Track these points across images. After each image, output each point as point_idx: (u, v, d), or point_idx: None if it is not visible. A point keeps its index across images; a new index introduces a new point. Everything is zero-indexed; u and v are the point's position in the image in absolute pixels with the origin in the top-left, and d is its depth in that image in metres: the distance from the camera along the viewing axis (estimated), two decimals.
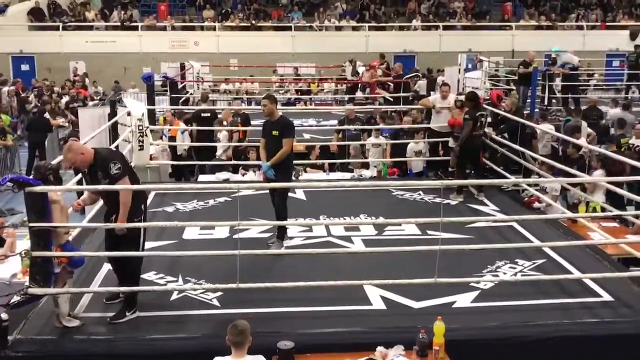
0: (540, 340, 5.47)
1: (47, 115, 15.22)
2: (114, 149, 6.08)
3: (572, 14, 27.88)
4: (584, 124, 12.11)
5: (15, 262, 7.04)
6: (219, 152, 11.88)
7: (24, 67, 24.15)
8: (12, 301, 5.44)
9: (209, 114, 12.66)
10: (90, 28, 25.63)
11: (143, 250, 5.85)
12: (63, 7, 26.42)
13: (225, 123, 12.23)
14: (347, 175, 11.12)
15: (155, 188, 9.44)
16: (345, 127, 12.20)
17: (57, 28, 24.88)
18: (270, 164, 7.11)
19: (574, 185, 9.07)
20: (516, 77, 16.44)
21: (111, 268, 6.10)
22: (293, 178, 10.59)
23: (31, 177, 5.62)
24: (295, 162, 11.14)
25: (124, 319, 5.61)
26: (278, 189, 6.95)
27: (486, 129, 10.37)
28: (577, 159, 10.32)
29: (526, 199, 9.39)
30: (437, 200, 9.14)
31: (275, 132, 7.10)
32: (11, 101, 18.82)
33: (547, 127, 11.37)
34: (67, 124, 15.92)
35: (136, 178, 5.93)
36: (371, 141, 11.65)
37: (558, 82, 17.12)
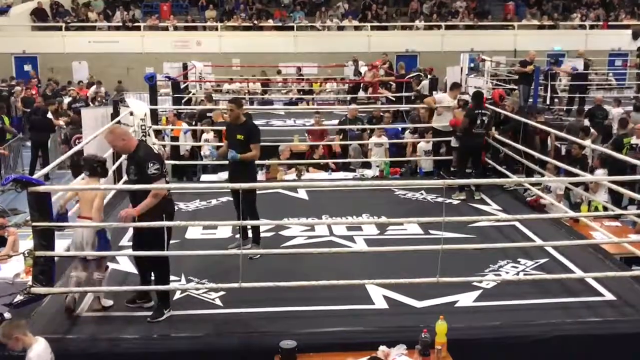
0: (543, 340, 5.47)
1: (50, 115, 15.23)
2: (156, 152, 6.10)
3: (575, 13, 27.84)
4: (585, 122, 12.11)
5: (18, 261, 7.06)
6: (205, 152, 11.88)
7: (27, 67, 24.18)
8: (15, 300, 5.46)
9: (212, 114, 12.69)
10: (93, 28, 25.65)
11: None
12: (66, 8, 26.45)
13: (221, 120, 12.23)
14: (350, 175, 11.13)
15: (157, 187, 9.43)
16: (348, 126, 12.22)
17: (59, 28, 24.91)
18: (241, 158, 6.91)
19: (576, 184, 9.07)
20: (517, 77, 16.43)
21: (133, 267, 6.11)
22: (295, 177, 10.67)
23: (34, 176, 5.64)
24: (297, 161, 11.28)
25: (162, 318, 5.63)
26: (245, 195, 6.55)
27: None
28: (580, 158, 10.32)
29: (529, 198, 9.38)
30: (440, 199, 9.15)
31: (240, 136, 6.99)
32: (16, 101, 18.84)
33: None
34: (63, 125, 15.82)
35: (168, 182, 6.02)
36: (374, 141, 11.65)
37: (562, 82, 17.11)
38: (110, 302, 5.93)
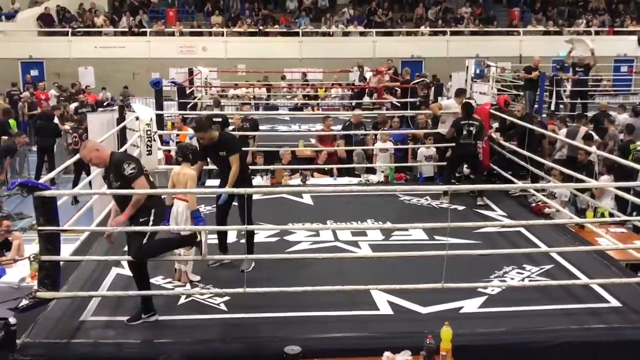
0: (548, 346, 5.45)
1: (56, 120, 15.29)
2: (129, 153, 6.12)
3: (580, 19, 27.81)
4: (582, 129, 12.07)
5: (24, 266, 7.09)
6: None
7: (33, 72, 24.27)
8: (20, 305, 5.47)
9: (220, 119, 12.70)
10: (99, 34, 25.76)
11: (145, 251, 5.65)
12: (72, 13, 26.56)
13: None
14: (354, 180, 11.13)
15: (163, 192, 9.45)
16: (353, 132, 12.22)
17: (66, 34, 25.02)
18: (228, 187, 6.64)
19: (582, 190, 9.05)
20: (522, 83, 16.41)
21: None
22: (300, 182, 10.69)
23: (40, 181, 5.66)
24: (302, 167, 11.28)
25: (139, 322, 5.61)
26: (241, 202, 6.46)
27: (493, 134, 10.40)
28: (586, 164, 10.30)
29: (534, 204, 9.37)
30: (444, 205, 9.14)
31: (222, 153, 6.75)
32: (23, 107, 18.91)
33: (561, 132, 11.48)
34: (69, 129, 15.90)
35: (152, 182, 5.96)
36: (378, 146, 11.65)
37: (567, 87, 17.09)
38: (197, 277, 6.48)
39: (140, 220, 5.58)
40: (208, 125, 6.82)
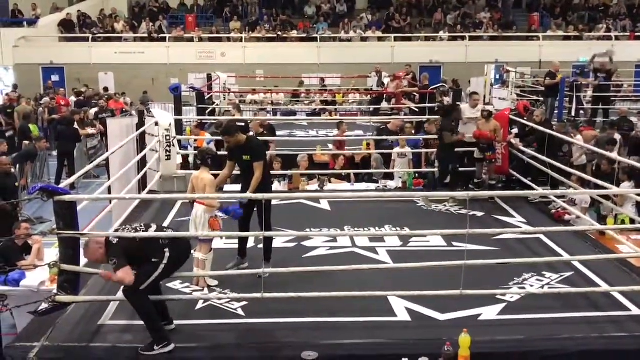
0: (568, 354, 5.40)
1: (76, 125, 15.43)
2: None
3: (601, 24, 27.56)
4: (617, 135, 11.97)
5: (43, 269, 7.13)
6: None
7: (54, 78, 24.55)
8: (40, 308, 5.51)
9: (243, 124, 12.71)
10: (119, 39, 25.99)
11: (151, 289, 5.41)
12: (92, 19, 26.83)
13: None
14: (372, 185, 11.11)
15: (182, 198, 9.50)
16: (385, 137, 12.17)
17: (86, 39, 25.28)
18: (250, 193, 6.67)
19: (604, 197, 8.96)
20: (542, 88, 16.28)
21: None
22: (318, 188, 10.68)
23: (60, 185, 5.70)
24: (319, 172, 11.28)
25: (152, 353, 5.26)
26: (264, 211, 6.23)
27: (512, 140, 10.35)
28: (610, 173, 10.18)
29: (554, 211, 9.29)
30: (463, 211, 9.08)
31: (246, 157, 6.86)
32: (43, 112, 19.11)
33: (579, 139, 11.37)
34: (96, 133, 16.15)
35: None
36: (397, 151, 11.63)
37: (587, 94, 16.91)
38: (215, 282, 6.52)
39: (153, 260, 5.35)
40: (235, 129, 6.93)
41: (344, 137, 12.68)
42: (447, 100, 14.86)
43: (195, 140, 12.68)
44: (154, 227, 5.54)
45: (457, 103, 10.55)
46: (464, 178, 10.39)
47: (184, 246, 5.63)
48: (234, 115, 13.69)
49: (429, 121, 12.00)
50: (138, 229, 5.48)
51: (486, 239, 7.68)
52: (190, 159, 11.52)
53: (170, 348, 5.29)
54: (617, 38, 26.05)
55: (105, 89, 22.39)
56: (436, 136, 10.63)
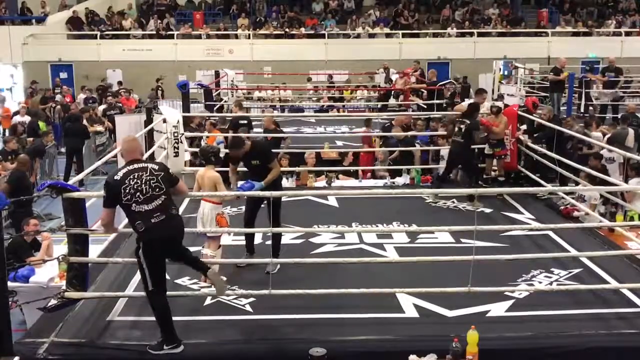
0: (576, 351, 5.38)
1: (84, 122, 15.49)
2: None
3: (609, 19, 27.40)
4: (630, 131, 11.90)
5: (52, 265, 7.17)
6: None
7: (62, 75, 24.62)
8: (49, 304, 5.54)
9: (246, 121, 12.74)
10: (127, 37, 26.01)
11: (154, 287, 5.27)
12: (101, 16, 26.88)
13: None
14: (380, 182, 11.10)
15: (190, 195, 9.52)
16: (388, 133, 12.15)
17: (94, 37, 25.32)
18: (265, 184, 6.70)
19: (613, 194, 8.91)
20: (548, 84, 16.23)
21: None
22: (325, 184, 10.68)
23: (69, 182, 5.73)
24: (327, 168, 11.28)
25: (161, 352, 5.24)
26: (274, 207, 6.22)
27: (521, 136, 10.31)
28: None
29: (562, 207, 9.25)
30: (471, 207, 9.06)
31: (254, 162, 6.89)
32: (60, 110, 19.14)
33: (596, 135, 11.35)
34: (104, 130, 16.21)
35: None
36: (410, 148, 11.60)
37: (596, 90, 16.84)
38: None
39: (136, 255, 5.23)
40: (242, 141, 6.95)
41: (369, 133, 12.66)
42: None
43: (207, 137, 12.69)
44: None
45: (476, 102, 10.44)
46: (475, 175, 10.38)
47: (157, 234, 5.14)
48: (235, 112, 13.71)
49: (443, 119, 11.97)
50: None
51: (494, 236, 7.65)
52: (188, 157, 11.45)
53: (179, 350, 5.27)
54: (626, 34, 25.89)
55: (120, 83, 22.47)
56: (444, 133, 10.62)
